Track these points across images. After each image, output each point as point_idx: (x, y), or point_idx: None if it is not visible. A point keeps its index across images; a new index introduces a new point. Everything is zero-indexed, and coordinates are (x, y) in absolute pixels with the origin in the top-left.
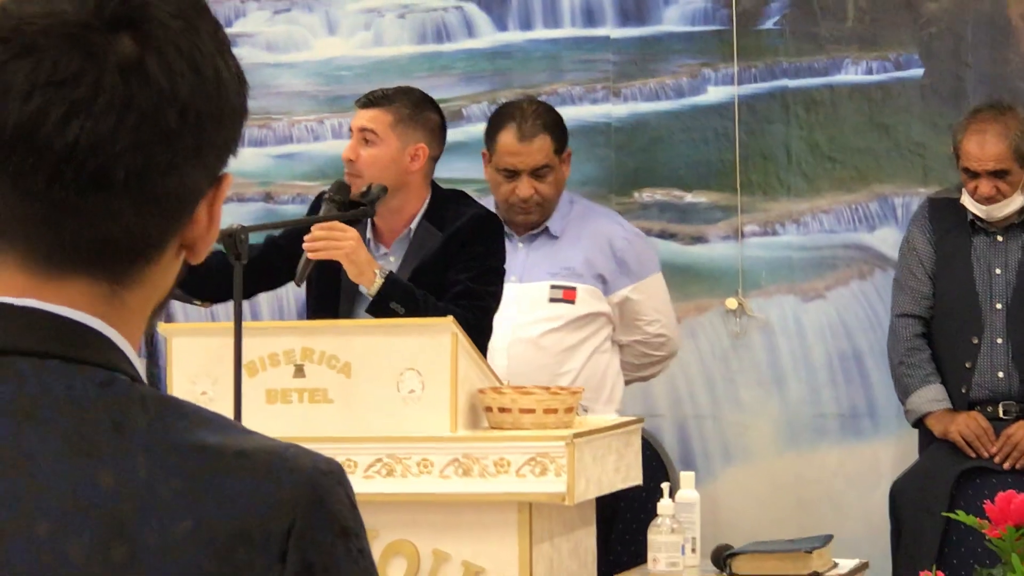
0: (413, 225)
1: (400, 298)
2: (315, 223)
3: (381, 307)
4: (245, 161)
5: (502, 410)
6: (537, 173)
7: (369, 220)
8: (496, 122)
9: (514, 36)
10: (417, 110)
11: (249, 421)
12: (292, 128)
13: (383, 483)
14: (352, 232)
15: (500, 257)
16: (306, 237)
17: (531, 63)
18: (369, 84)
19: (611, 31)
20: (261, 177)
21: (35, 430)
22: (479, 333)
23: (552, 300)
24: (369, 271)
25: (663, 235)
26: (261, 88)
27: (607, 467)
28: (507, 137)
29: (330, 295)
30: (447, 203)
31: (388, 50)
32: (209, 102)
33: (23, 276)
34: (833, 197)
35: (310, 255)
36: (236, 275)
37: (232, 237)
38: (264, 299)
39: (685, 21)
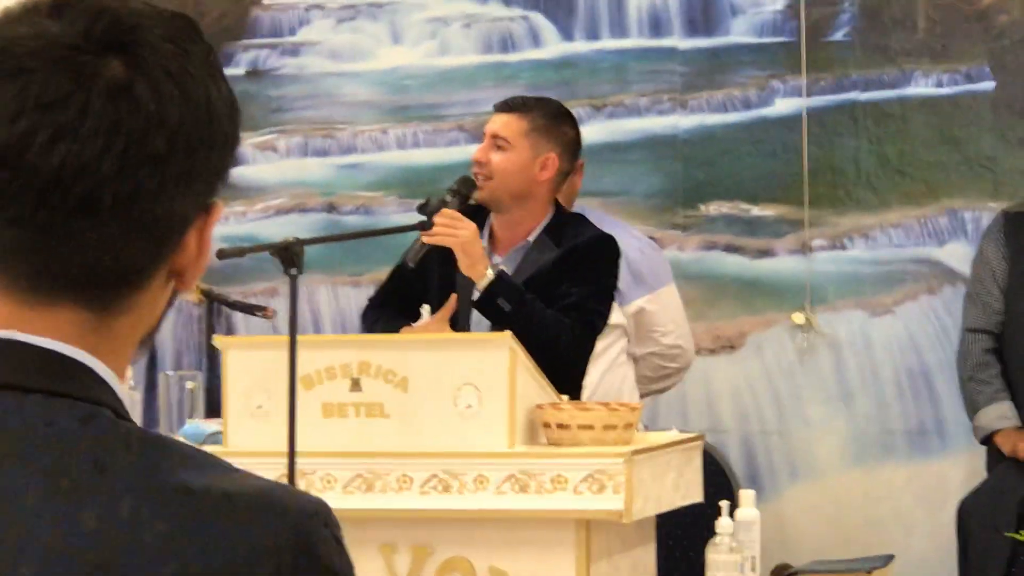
0: (531, 237)
1: (508, 296)
2: (376, 234)
3: (488, 302)
4: (308, 170)
5: (560, 426)
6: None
7: (488, 227)
8: None
9: (580, 46)
10: (553, 121)
11: (305, 435)
12: (356, 138)
13: (439, 499)
14: (471, 225)
15: (614, 281)
16: (432, 220)
17: (597, 73)
18: (434, 94)
19: (678, 42)
20: (324, 187)
21: (17, 468)
22: (581, 349)
23: None
24: (481, 265)
25: (729, 248)
26: (325, 97)
27: (666, 484)
28: None
29: (447, 295)
30: (568, 222)
31: (453, 59)
32: (199, 127)
33: (6, 304)
34: (902, 211)
35: (425, 239)
36: (292, 286)
37: (288, 250)
38: (327, 312)
39: (753, 32)
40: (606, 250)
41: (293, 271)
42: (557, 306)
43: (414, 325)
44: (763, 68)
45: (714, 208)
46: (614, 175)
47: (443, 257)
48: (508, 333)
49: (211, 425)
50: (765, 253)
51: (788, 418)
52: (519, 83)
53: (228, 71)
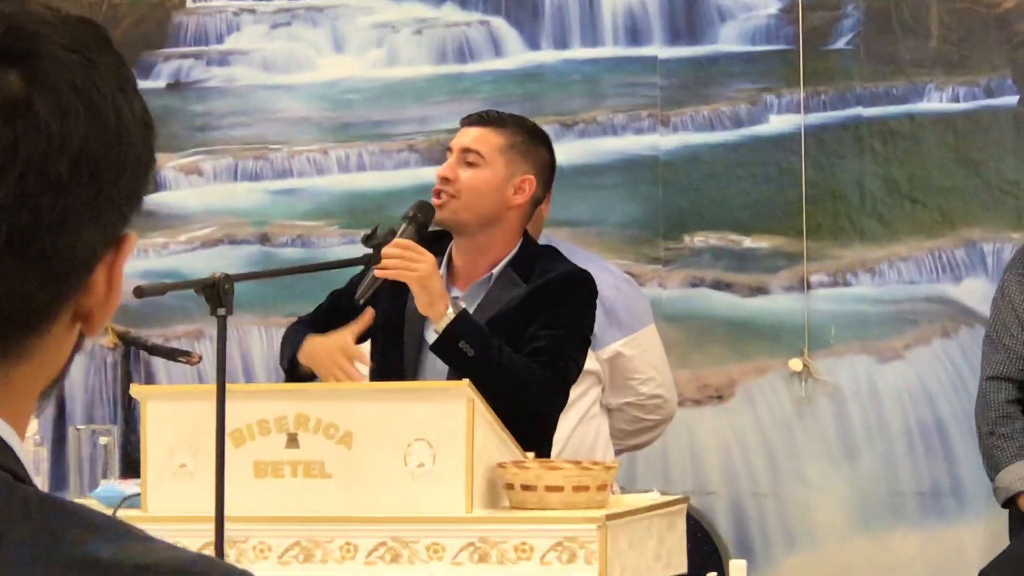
0: (496, 270)
1: (471, 338)
2: (315, 268)
3: (448, 345)
4: (238, 197)
5: (525, 487)
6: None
7: (446, 256)
8: None
9: (547, 56)
10: (531, 140)
11: (235, 498)
12: (292, 160)
13: (388, 570)
14: (429, 257)
15: (589, 324)
16: (382, 253)
17: (567, 87)
18: (381, 110)
19: (659, 51)
20: (256, 216)
21: None
22: (552, 400)
23: None
24: (441, 303)
25: (718, 286)
26: (257, 113)
27: (646, 554)
28: None
29: (396, 332)
30: (537, 256)
31: (403, 71)
32: (108, 149)
33: None
34: (913, 243)
35: (378, 273)
36: (219, 328)
37: (215, 287)
38: (259, 358)
39: (744, 40)
40: (581, 288)
41: (221, 311)
42: (525, 351)
43: (315, 337)
44: (755, 80)
45: (700, 239)
46: (586, 202)
47: (393, 289)
48: (465, 382)
49: (128, 486)
50: (758, 291)
51: (784, 478)
52: (478, 97)
53: (147, 84)
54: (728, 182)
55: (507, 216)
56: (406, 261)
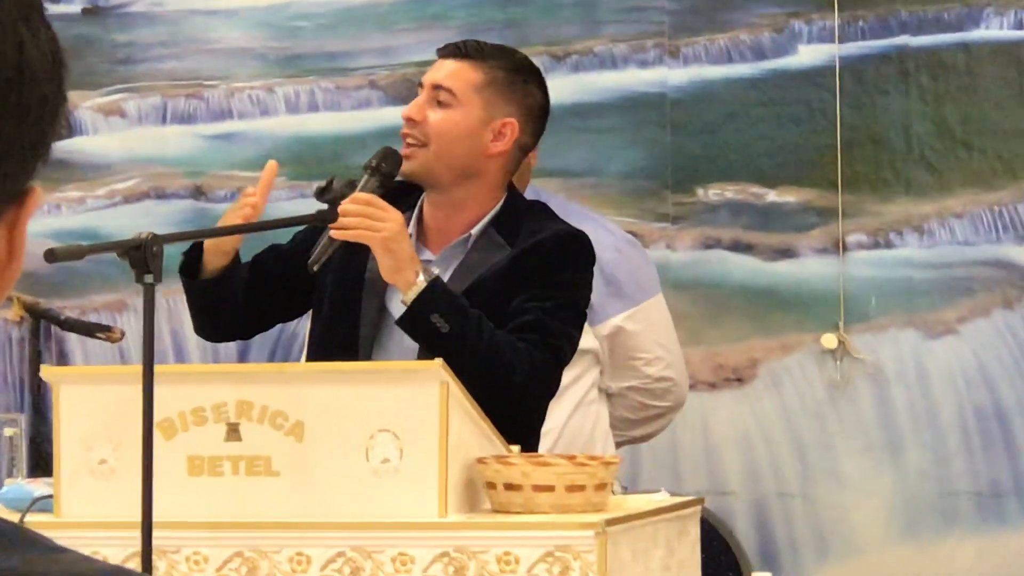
0: (475, 230)
1: (445, 311)
2: (260, 228)
3: (418, 320)
4: (168, 143)
5: (509, 487)
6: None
7: (416, 212)
8: None
9: None
10: (516, 76)
11: (165, 500)
12: (231, 99)
13: None
14: (395, 214)
15: (586, 292)
16: (339, 210)
17: (557, 10)
18: (336, 39)
19: None
20: (188, 165)
21: None
22: (541, 385)
23: None
24: (410, 269)
25: (736, 247)
26: (189, 44)
27: (652, 565)
28: None
29: (349, 304)
30: (525, 213)
31: None
32: (7, 89)
33: None
34: (969, 196)
35: (335, 234)
36: (145, 298)
37: (141, 249)
38: (191, 333)
39: None
40: (576, 251)
41: (148, 278)
42: (510, 326)
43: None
44: (781, 3)
45: (715, 192)
46: (581, 148)
47: (349, 248)
48: (438, 361)
49: (38, 486)
50: (784, 253)
51: (815, 475)
52: (451, 24)
53: (58, 8)
54: (749, 124)
55: (486, 166)
56: (368, 220)
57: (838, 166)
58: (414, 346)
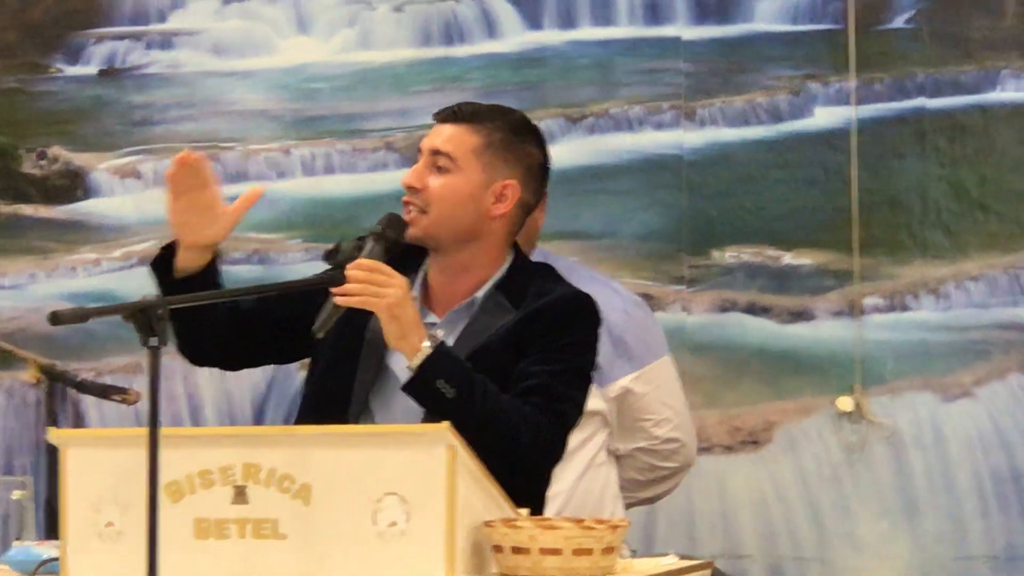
0: (480, 294)
1: (451, 376)
2: (272, 291)
3: (423, 386)
4: None
5: (517, 550)
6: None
7: (421, 278)
8: None
9: (551, 36)
10: (515, 137)
11: (172, 563)
12: (247, 160)
13: None
14: (400, 280)
15: (591, 355)
16: (347, 275)
17: (574, 73)
18: (353, 102)
19: (683, 30)
20: None
21: None
22: (548, 449)
23: None
24: (415, 334)
25: (752, 310)
26: (206, 105)
27: None
28: None
29: (347, 361)
30: (531, 275)
31: (379, 55)
32: None
33: None
34: (985, 259)
35: (340, 300)
36: (151, 361)
37: (146, 312)
38: (209, 397)
39: (784, 17)
40: (582, 313)
41: (153, 341)
42: (516, 390)
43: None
44: (798, 66)
45: (731, 255)
46: (596, 210)
47: (353, 308)
48: (446, 425)
49: (47, 549)
50: (800, 316)
51: (831, 539)
52: (468, 86)
53: (74, 70)
54: (765, 187)
55: (489, 229)
56: (373, 286)
57: (854, 229)
58: (407, 406)
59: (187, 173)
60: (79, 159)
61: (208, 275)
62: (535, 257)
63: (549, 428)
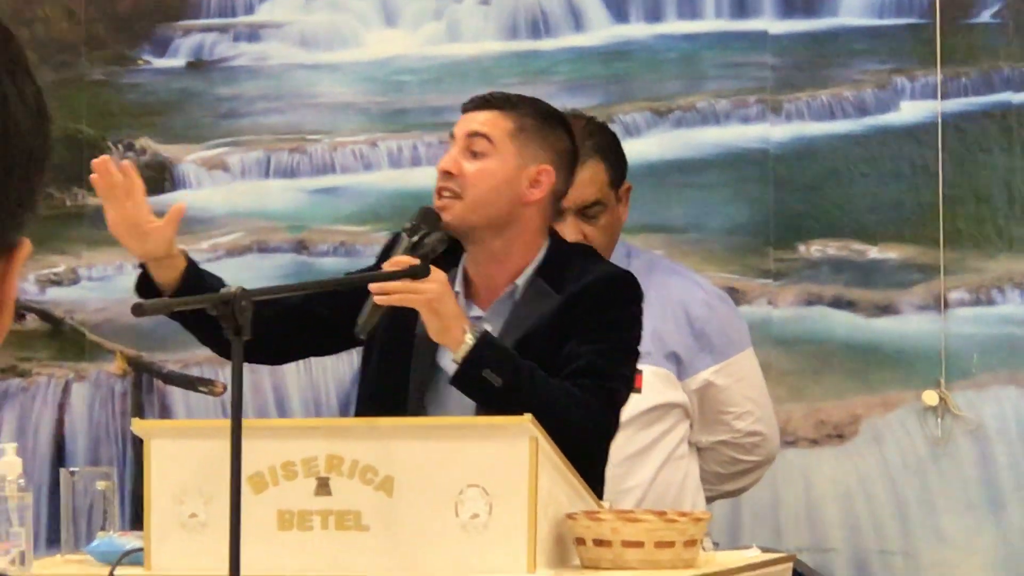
0: (521, 281)
1: (497, 366)
2: (358, 282)
3: (470, 377)
4: (271, 196)
5: (599, 543)
6: (586, 212)
7: (460, 269)
8: None
9: (637, 30)
10: (546, 123)
11: (254, 554)
12: (334, 153)
13: None
14: (438, 274)
15: (637, 332)
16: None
17: (661, 67)
18: (440, 94)
19: (770, 24)
20: (291, 219)
21: None
22: (600, 429)
23: None
24: (457, 327)
25: (838, 304)
26: (293, 98)
27: None
28: None
29: (399, 360)
30: (570, 258)
31: (466, 47)
32: None
33: None
34: None
35: (379, 299)
36: (235, 354)
37: (230, 304)
38: (295, 388)
39: (870, 12)
40: (623, 290)
41: (237, 333)
42: (564, 372)
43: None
44: (884, 60)
45: (817, 249)
46: (682, 204)
47: (396, 308)
48: (528, 417)
49: (130, 540)
50: (886, 310)
51: (916, 533)
52: (555, 79)
53: (161, 63)
54: (851, 181)
55: (524, 215)
56: (411, 283)
57: (940, 223)
58: (462, 400)
59: (108, 180)
60: (166, 151)
61: (190, 283)
62: (618, 251)
63: (600, 408)
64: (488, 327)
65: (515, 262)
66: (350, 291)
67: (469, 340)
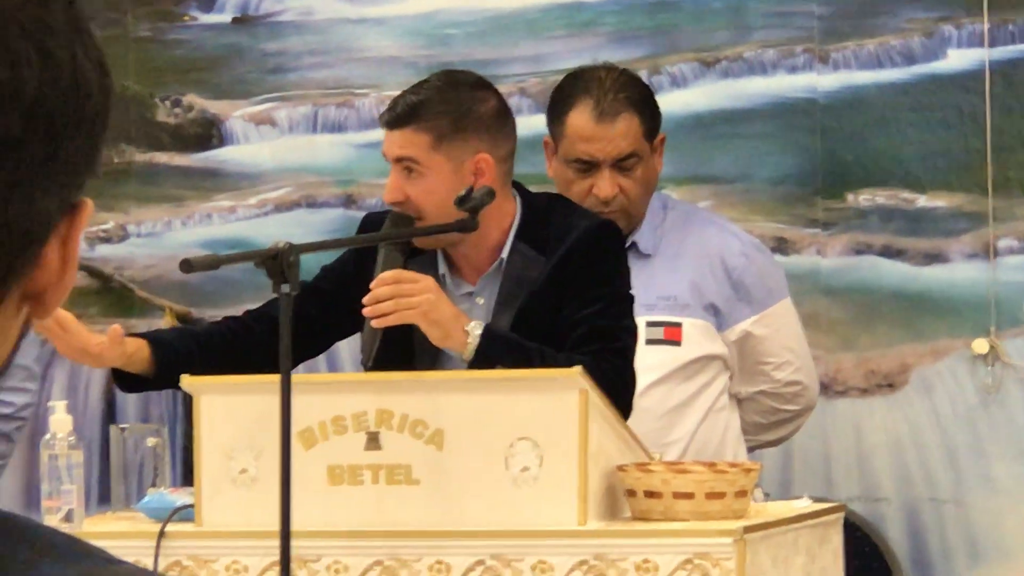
0: (505, 252)
1: (505, 356)
2: (407, 236)
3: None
4: (318, 151)
5: (649, 494)
6: (621, 165)
7: (441, 251)
8: (563, 97)
9: None
10: (459, 111)
11: (305, 509)
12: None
13: None
14: (426, 281)
15: (627, 278)
16: (366, 299)
17: (706, 17)
18: (486, 47)
19: None
20: (339, 173)
21: None
22: (621, 387)
23: (650, 342)
24: (457, 330)
25: (887, 252)
26: (340, 53)
27: (793, 572)
28: (581, 117)
29: (400, 360)
30: (546, 214)
31: (512, 0)
32: (64, 100)
33: None
34: None
35: (376, 323)
36: (283, 308)
37: (277, 259)
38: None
39: None
40: (604, 243)
41: (286, 287)
42: (569, 343)
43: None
44: (930, 8)
45: (865, 198)
46: (730, 154)
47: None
48: (578, 369)
49: (181, 496)
50: (935, 258)
51: (967, 481)
52: (602, 31)
53: (208, 18)
54: (899, 130)
55: None
56: (402, 297)
57: (988, 170)
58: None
59: (40, 327)
60: (214, 107)
61: (165, 361)
62: (653, 202)
63: (614, 370)
64: (480, 301)
65: (494, 234)
66: (337, 288)
67: (473, 339)
